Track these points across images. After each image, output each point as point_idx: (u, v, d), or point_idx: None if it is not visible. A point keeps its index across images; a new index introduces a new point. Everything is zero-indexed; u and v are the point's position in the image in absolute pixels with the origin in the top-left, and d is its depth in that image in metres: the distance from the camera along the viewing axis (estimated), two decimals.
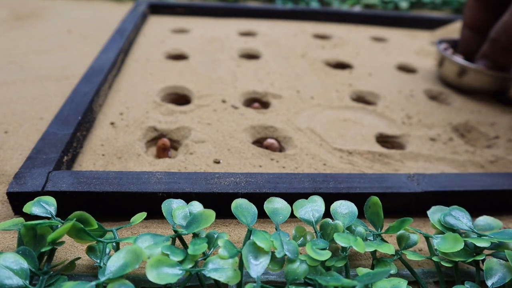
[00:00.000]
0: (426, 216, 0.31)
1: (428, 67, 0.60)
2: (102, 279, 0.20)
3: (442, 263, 0.25)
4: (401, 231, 0.26)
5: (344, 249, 0.25)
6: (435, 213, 0.27)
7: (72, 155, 0.34)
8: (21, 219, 0.24)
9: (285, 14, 0.77)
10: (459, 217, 0.26)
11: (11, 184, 0.28)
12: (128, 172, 0.30)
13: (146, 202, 0.29)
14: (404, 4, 0.91)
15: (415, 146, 0.40)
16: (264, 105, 0.47)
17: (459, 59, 0.51)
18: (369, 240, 0.26)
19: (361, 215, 0.29)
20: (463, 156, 0.39)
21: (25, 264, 0.21)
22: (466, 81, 0.51)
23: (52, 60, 0.54)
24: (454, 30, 0.71)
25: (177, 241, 0.27)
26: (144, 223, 0.29)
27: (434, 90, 0.53)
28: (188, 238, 0.27)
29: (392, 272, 0.23)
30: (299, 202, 0.27)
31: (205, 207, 0.26)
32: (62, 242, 0.24)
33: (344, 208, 0.26)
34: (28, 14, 0.72)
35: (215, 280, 0.22)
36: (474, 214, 0.29)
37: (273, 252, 0.23)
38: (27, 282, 0.20)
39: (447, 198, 0.31)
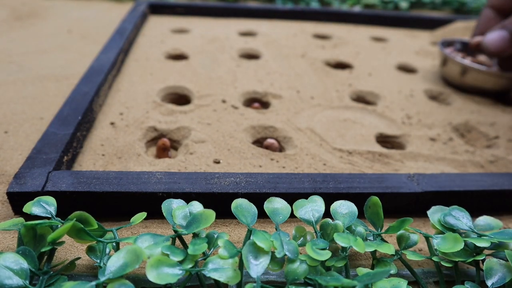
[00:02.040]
0: (426, 216, 0.31)
1: (428, 67, 0.60)
2: (102, 279, 0.20)
3: (442, 263, 0.25)
4: (401, 231, 0.26)
5: (344, 249, 0.25)
6: (435, 213, 0.27)
7: (72, 155, 0.34)
8: (21, 219, 0.24)
9: (285, 14, 0.77)
10: (459, 217, 0.26)
11: (11, 184, 0.28)
12: (128, 172, 0.30)
13: (146, 202, 0.29)
14: (404, 4, 0.91)
15: (415, 146, 0.40)
16: (264, 105, 0.47)
17: (461, 59, 0.51)
18: (369, 240, 0.26)
19: (361, 215, 0.29)
20: (463, 156, 0.39)
21: (25, 264, 0.21)
22: (468, 80, 0.51)
23: (52, 60, 0.54)
24: (454, 30, 0.71)
25: (177, 241, 0.27)
26: (144, 223, 0.29)
27: (434, 90, 0.53)
28: (188, 238, 0.27)
29: (392, 272, 0.23)
30: (299, 202, 0.27)
31: (205, 207, 0.25)
32: (62, 242, 0.24)
33: (344, 208, 0.26)
34: (28, 14, 0.71)
35: (215, 280, 0.22)
36: (474, 214, 0.29)
37: (273, 252, 0.23)
38: (27, 282, 0.20)
39: (447, 198, 0.31)
